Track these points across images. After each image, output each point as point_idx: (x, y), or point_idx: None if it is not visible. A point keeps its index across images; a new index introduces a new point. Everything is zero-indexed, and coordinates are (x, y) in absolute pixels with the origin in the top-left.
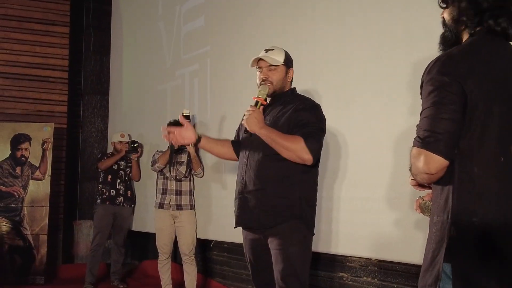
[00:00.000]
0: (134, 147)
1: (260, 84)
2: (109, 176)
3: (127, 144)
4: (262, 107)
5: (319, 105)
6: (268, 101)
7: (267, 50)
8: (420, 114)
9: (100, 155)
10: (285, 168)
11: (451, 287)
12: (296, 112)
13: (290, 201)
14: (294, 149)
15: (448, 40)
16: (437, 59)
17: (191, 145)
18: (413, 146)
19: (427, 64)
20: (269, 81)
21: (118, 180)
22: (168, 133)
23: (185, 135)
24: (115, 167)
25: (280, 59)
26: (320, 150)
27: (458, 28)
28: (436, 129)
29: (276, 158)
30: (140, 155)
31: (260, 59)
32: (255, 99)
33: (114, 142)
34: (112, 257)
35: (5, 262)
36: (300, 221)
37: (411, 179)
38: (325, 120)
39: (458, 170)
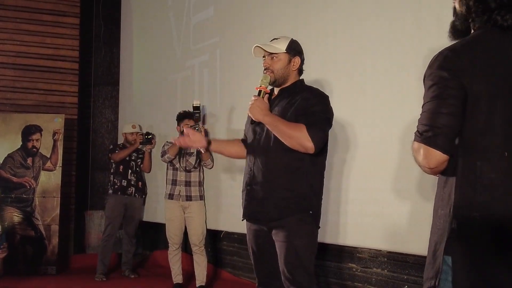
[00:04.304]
0: (148, 138)
1: (263, 73)
2: (121, 167)
3: (141, 136)
4: (266, 95)
5: (327, 96)
6: (273, 90)
7: (273, 40)
8: (422, 108)
9: (112, 146)
10: (293, 159)
11: None
12: (303, 102)
13: (298, 193)
14: (296, 136)
15: (458, 29)
16: (440, 53)
17: (202, 150)
18: (413, 140)
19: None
20: (270, 70)
21: (130, 171)
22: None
23: (195, 139)
24: (126, 158)
25: (282, 47)
26: (324, 140)
27: (467, 22)
28: (435, 124)
29: (284, 149)
30: (153, 147)
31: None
32: (257, 89)
33: (125, 133)
34: (123, 247)
35: (17, 253)
36: (307, 214)
37: None
38: (332, 112)
39: (462, 164)
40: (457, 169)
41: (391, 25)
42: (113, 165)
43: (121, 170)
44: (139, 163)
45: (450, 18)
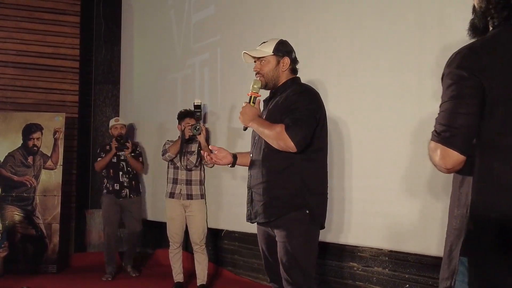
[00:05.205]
0: (122, 143)
1: (255, 78)
2: (111, 171)
3: (116, 142)
4: (258, 100)
5: (312, 90)
6: (267, 94)
7: (262, 43)
8: (439, 107)
9: (98, 150)
10: (285, 159)
11: None
12: (285, 100)
13: (292, 191)
14: (277, 137)
15: (476, 27)
16: (458, 52)
17: (229, 166)
18: (430, 140)
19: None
20: (260, 74)
21: (121, 173)
22: (208, 155)
23: (221, 156)
24: (114, 160)
25: (268, 50)
26: (306, 136)
27: (486, 19)
28: (453, 124)
29: (274, 150)
30: (136, 151)
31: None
32: (249, 95)
33: (110, 128)
34: (126, 245)
35: (17, 251)
36: (303, 212)
37: None
38: (317, 105)
39: (479, 164)
40: (474, 169)
41: (393, 24)
42: (104, 169)
43: (112, 174)
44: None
45: (450, 16)
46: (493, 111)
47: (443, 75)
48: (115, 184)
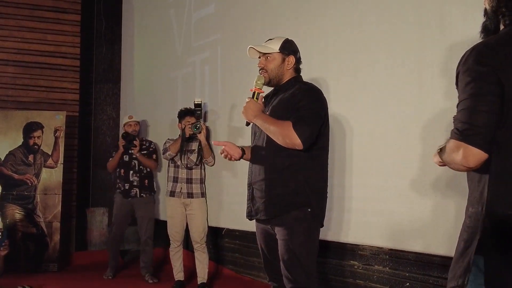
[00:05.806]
0: (128, 140)
1: (258, 74)
2: (122, 170)
3: (123, 140)
4: (261, 96)
5: (316, 88)
6: (269, 90)
7: (267, 40)
8: (457, 106)
9: (112, 150)
10: (288, 156)
11: (483, 280)
12: (291, 98)
13: (294, 189)
14: (284, 134)
15: (488, 29)
16: (473, 49)
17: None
18: (450, 138)
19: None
20: (264, 70)
21: (131, 172)
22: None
23: (230, 151)
24: (126, 158)
25: (275, 47)
26: (312, 135)
27: (497, 18)
28: (475, 122)
29: (277, 147)
30: (149, 148)
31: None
32: (252, 91)
33: (124, 125)
34: (140, 249)
35: (18, 250)
36: (305, 211)
37: (438, 159)
38: (322, 104)
39: (495, 162)
40: (490, 166)
41: (393, 22)
42: (116, 168)
43: (122, 173)
44: None
45: (450, 14)
46: (510, 108)
47: (458, 72)
48: (126, 184)
